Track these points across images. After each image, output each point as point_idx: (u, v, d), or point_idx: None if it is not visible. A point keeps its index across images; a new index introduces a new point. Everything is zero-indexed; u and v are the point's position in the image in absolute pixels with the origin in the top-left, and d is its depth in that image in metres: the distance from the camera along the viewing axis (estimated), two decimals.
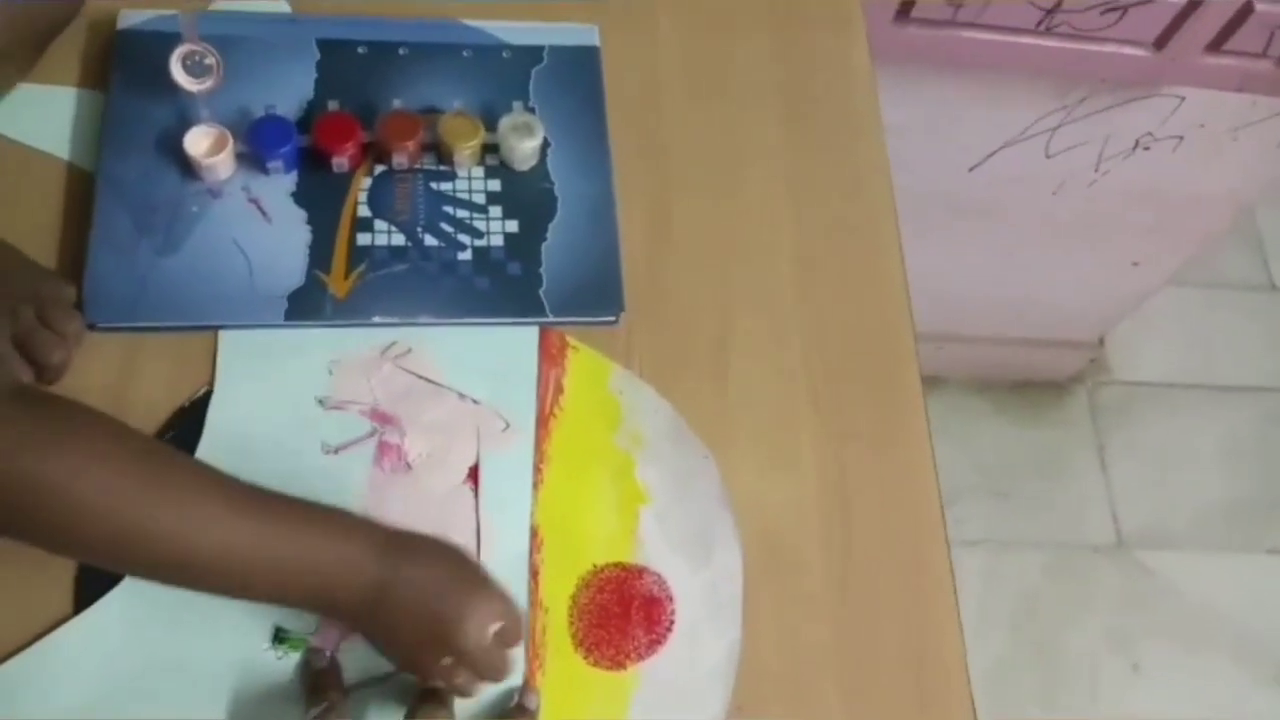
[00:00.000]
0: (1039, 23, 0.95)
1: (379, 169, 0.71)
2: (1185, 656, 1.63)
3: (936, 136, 1.19)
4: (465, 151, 0.70)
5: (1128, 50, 0.99)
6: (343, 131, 0.69)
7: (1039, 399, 1.77)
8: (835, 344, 0.74)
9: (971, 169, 1.25)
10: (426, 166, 0.72)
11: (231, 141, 0.67)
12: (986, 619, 1.61)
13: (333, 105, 0.72)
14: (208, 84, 0.67)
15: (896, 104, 1.06)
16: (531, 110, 0.74)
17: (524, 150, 0.71)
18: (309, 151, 0.70)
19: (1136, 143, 1.21)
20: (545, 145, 0.74)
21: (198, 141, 0.67)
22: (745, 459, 0.69)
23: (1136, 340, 1.79)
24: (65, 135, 0.71)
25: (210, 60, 0.67)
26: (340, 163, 0.69)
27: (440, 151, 0.71)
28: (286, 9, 0.77)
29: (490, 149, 0.72)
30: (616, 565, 0.64)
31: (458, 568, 0.55)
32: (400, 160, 0.70)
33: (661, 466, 0.67)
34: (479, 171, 0.72)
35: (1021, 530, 1.68)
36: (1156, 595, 1.65)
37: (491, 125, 0.72)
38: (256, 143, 0.68)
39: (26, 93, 0.72)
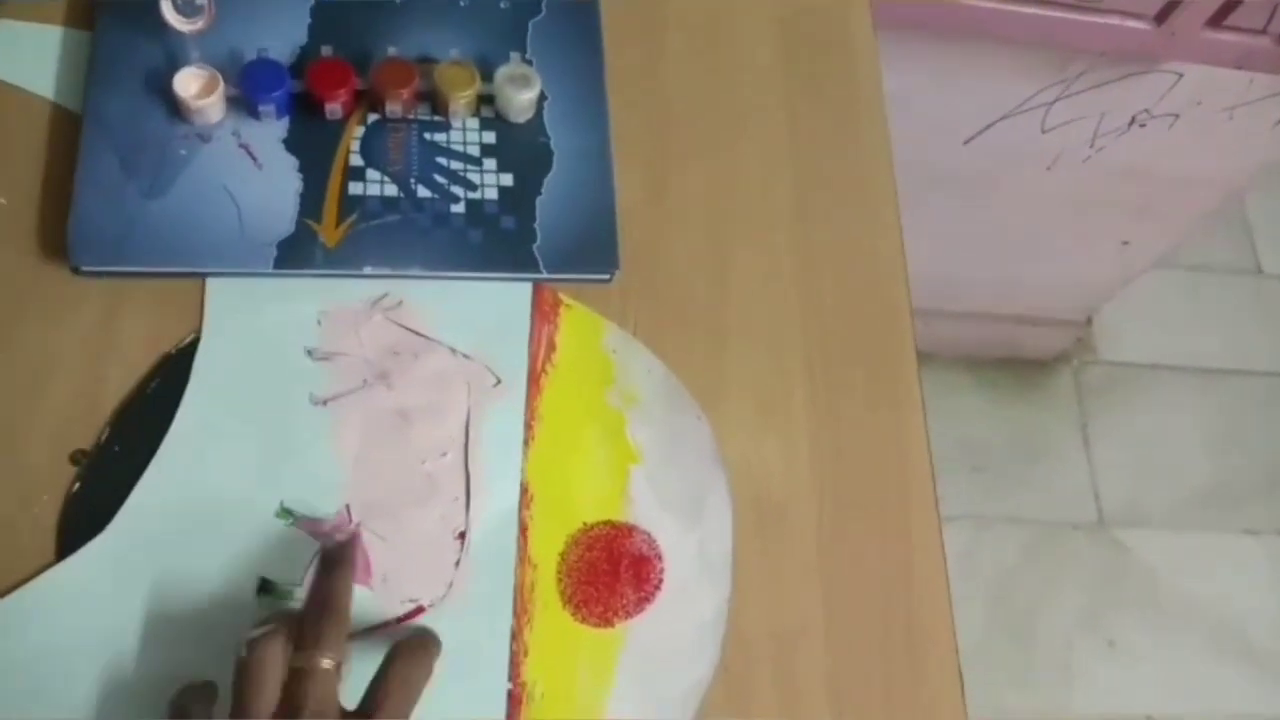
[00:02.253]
0: None
1: (372, 118, 0.70)
2: (1161, 635, 1.64)
3: (933, 107, 1.18)
4: (460, 101, 0.69)
5: (1129, 23, 0.99)
6: (336, 77, 0.68)
7: (1024, 376, 1.78)
8: (831, 309, 0.74)
9: (967, 141, 1.25)
10: (420, 116, 0.70)
11: (222, 84, 0.66)
12: (964, 595, 1.62)
13: (326, 51, 0.70)
14: (199, 24, 0.66)
15: (893, 72, 1.05)
16: (529, 62, 0.72)
17: (520, 101, 0.70)
18: (301, 97, 0.68)
19: (1133, 119, 1.21)
20: (542, 98, 0.73)
21: (187, 83, 0.65)
22: (738, 420, 0.68)
23: (1123, 321, 1.80)
24: (50, 74, 0.69)
25: (202, 0, 0.65)
26: (333, 109, 0.68)
27: (435, 101, 0.70)
28: None
29: (486, 100, 0.71)
30: (606, 523, 0.63)
31: None
32: (394, 108, 0.69)
33: (653, 426, 0.66)
34: (474, 123, 0.71)
35: (1001, 507, 1.69)
36: (1135, 574, 1.67)
37: (488, 75, 0.71)
38: (248, 86, 0.66)
39: (10, 30, 0.70)
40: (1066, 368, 1.77)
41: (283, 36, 0.71)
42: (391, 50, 0.71)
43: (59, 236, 0.64)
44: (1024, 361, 1.75)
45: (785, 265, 0.74)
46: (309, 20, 0.72)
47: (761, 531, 0.66)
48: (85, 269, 0.63)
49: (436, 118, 0.71)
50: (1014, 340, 1.72)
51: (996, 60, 1.09)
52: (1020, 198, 1.36)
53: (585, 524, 0.63)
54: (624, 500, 0.64)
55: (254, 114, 0.67)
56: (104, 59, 0.68)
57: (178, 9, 0.65)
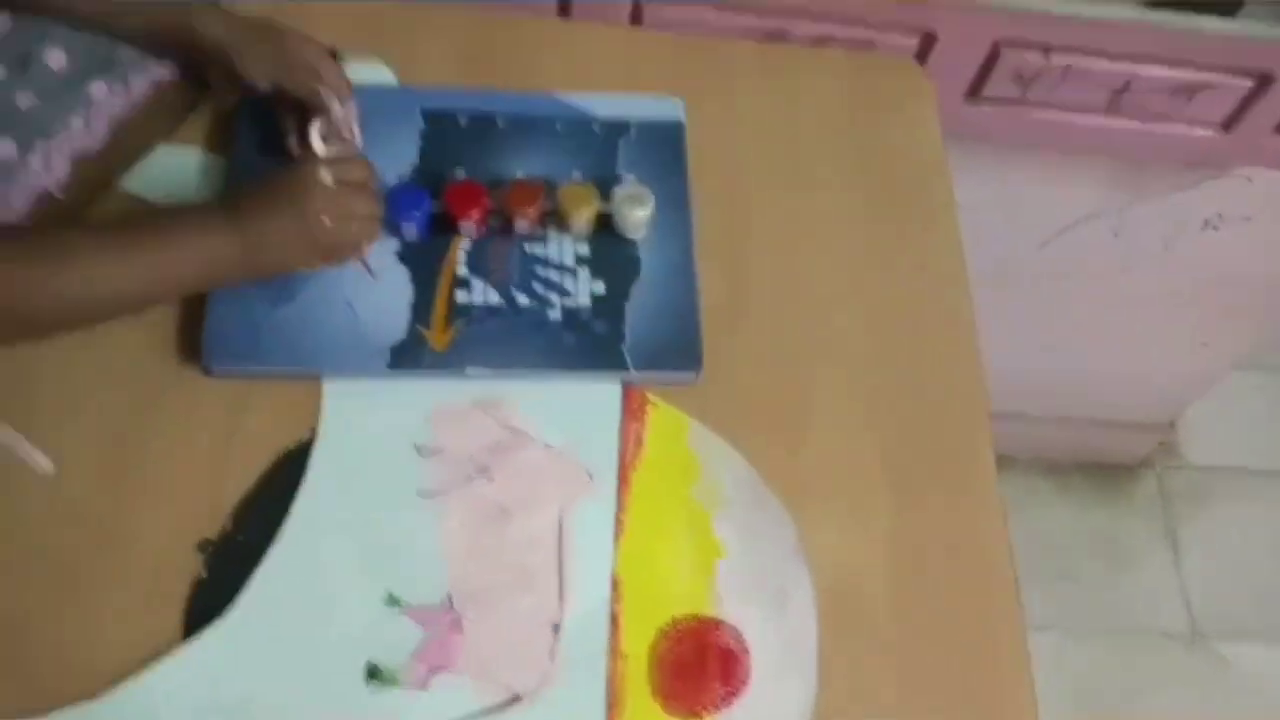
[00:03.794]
0: (1108, 104, 0.98)
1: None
2: None
3: (1006, 213, 1.21)
4: (582, 219, 0.75)
5: (1196, 131, 1.01)
6: (471, 198, 0.74)
7: (1107, 482, 1.75)
8: (909, 409, 0.76)
9: (1042, 246, 1.27)
10: (537, 234, 0.76)
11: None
12: (1052, 706, 1.57)
13: (459, 173, 0.77)
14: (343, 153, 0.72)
15: (967, 181, 1.09)
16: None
17: (636, 218, 0.76)
18: (438, 217, 0.74)
19: (1206, 222, 1.23)
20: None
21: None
22: (818, 516, 0.70)
23: (1208, 424, 1.77)
24: (191, 191, 0.76)
25: (348, 133, 0.72)
26: (468, 227, 0.74)
27: (557, 219, 0.76)
28: (393, 80, 0.82)
29: (602, 218, 0.77)
30: (694, 617, 0.65)
31: (262, 180, 0.66)
32: (522, 225, 0.75)
33: (737, 521, 0.69)
34: (568, 235, 0.76)
35: (1090, 616, 1.65)
36: (1233, 687, 1.60)
37: (601, 195, 0.76)
38: (393, 207, 0.72)
39: (158, 153, 0.77)
40: (1150, 473, 1.74)
41: (398, 160, 0.77)
42: (519, 173, 0.77)
43: (195, 341, 0.69)
44: (1106, 466, 1.73)
45: (863, 366, 0.77)
46: (419, 144, 0.78)
47: (843, 626, 0.67)
48: (216, 370, 0.69)
49: (542, 231, 0.76)
50: (1095, 444, 1.70)
51: (1066, 168, 1.12)
52: (1097, 301, 1.37)
53: (674, 618, 0.65)
54: (710, 594, 0.66)
55: (396, 232, 0.73)
56: (240, 176, 0.75)
57: (323, 137, 0.71)
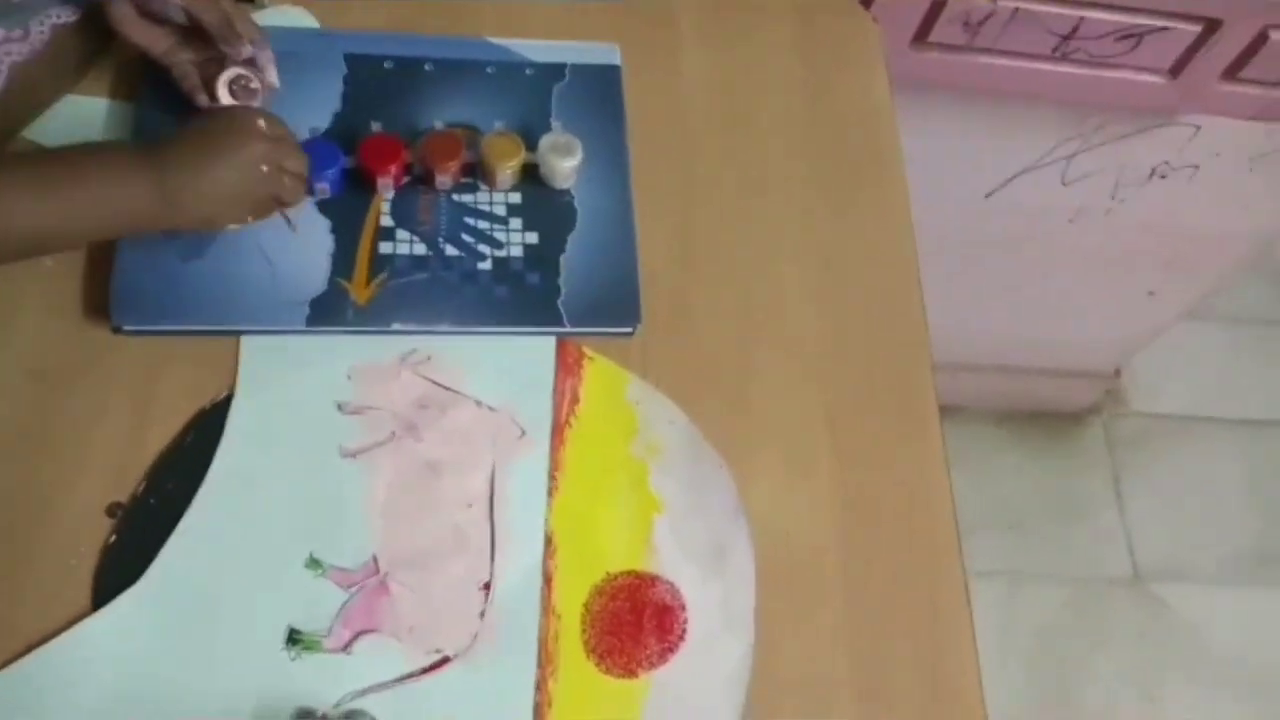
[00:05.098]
0: (1055, 49, 0.96)
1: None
2: (1204, 693, 1.61)
3: (953, 163, 1.19)
4: (507, 171, 0.72)
5: (1143, 77, 1.00)
6: (387, 153, 0.70)
7: (1055, 429, 1.76)
8: (854, 363, 0.74)
9: (988, 195, 1.26)
10: (465, 184, 0.73)
11: None
12: (1002, 653, 1.60)
13: (375, 126, 0.73)
14: (253, 104, 0.68)
15: (914, 131, 1.07)
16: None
17: (564, 169, 0.72)
18: (353, 172, 0.71)
19: (1153, 171, 1.22)
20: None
21: None
22: (761, 472, 0.69)
23: (1154, 373, 1.78)
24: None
25: (255, 85, 0.68)
26: (385, 183, 0.70)
27: (481, 171, 0.73)
28: (314, 24, 0.79)
29: (530, 168, 0.73)
30: (630, 573, 0.64)
31: (196, 125, 0.63)
32: (443, 180, 0.71)
33: (676, 476, 0.67)
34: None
35: (1036, 564, 1.67)
36: (1174, 631, 1.63)
37: (530, 144, 0.73)
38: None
39: (62, 104, 0.73)
40: (1097, 420, 1.76)
41: (319, 108, 0.74)
42: (437, 123, 0.74)
43: (101, 298, 0.66)
44: (1053, 414, 1.74)
45: (807, 321, 0.75)
46: (343, 89, 0.75)
47: (785, 581, 0.67)
48: (126, 328, 0.66)
49: (481, 186, 0.73)
50: (1042, 393, 1.71)
51: (1013, 116, 1.10)
52: (1044, 251, 1.36)
53: (609, 574, 0.64)
54: (647, 550, 0.65)
55: (310, 191, 0.70)
56: (146, 129, 0.71)
57: (233, 94, 0.67)
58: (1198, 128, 1.13)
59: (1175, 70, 0.99)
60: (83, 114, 0.73)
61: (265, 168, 0.62)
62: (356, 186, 0.71)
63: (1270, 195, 1.27)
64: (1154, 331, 1.56)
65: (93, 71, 0.75)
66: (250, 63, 0.68)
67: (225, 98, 0.68)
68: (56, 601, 0.60)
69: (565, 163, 0.72)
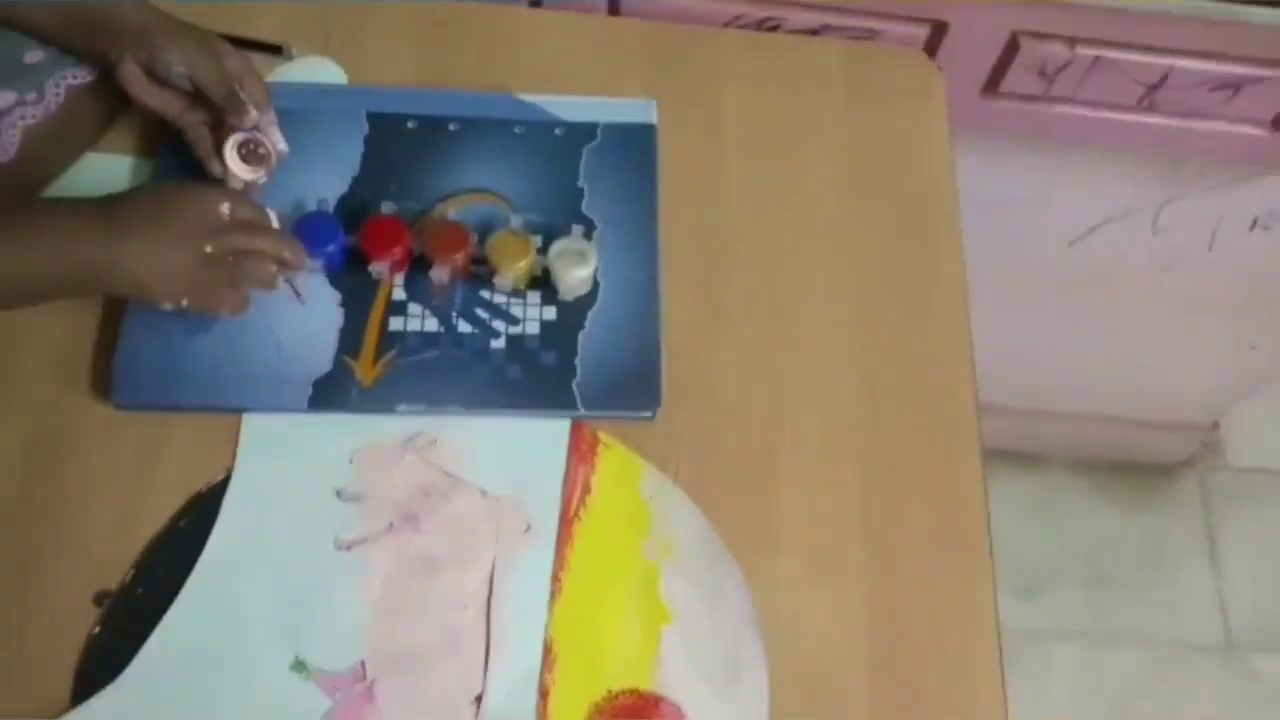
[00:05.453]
0: (1141, 99, 0.88)
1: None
2: None
3: (1031, 209, 1.12)
4: (511, 274, 0.67)
5: (1241, 129, 0.91)
6: (388, 237, 0.67)
7: (1145, 482, 1.65)
8: (894, 451, 0.68)
9: (1071, 243, 1.18)
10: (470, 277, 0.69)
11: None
12: (1078, 717, 1.50)
13: (386, 206, 0.69)
14: (259, 174, 0.66)
15: (989, 174, 1.00)
16: (588, 236, 0.69)
17: (573, 279, 0.67)
18: (354, 250, 0.67)
19: (1255, 221, 1.12)
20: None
21: None
22: (782, 575, 0.64)
23: (1254, 424, 1.66)
24: None
25: (264, 150, 0.65)
26: (379, 269, 0.67)
27: (487, 268, 0.68)
28: (342, 80, 0.76)
29: (538, 280, 0.68)
30: (633, 692, 0.59)
31: (159, 189, 0.62)
32: (441, 274, 0.67)
33: (689, 581, 0.62)
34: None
35: (1121, 624, 1.57)
36: (1266, 708, 1.52)
37: (551, 236, 0.69)
38: (301, 237, 0.66)
39: (84, 161, 0.72)
40: (1191, 473, 1.64)
41: (336, 168, 0.71)
42: (451, 213, 0.70)
43: (105, 370, 0.64)
44: (1143, 466, 1.63)
45: (845, 399, 0.69)
46: (363, 150, 0.72)
47: (809, 698, 0.61)
48: (126, 405, 0.64)
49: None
50: (1132, 444, 1.61)
51: (1097, 163, 1.02)
52: (1135, 299, 1.27)
53: (610, 692, 0.59)
54: (653, 665, 0.60)
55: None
56: None
57: (242, 157, 0.65)
58: None
59: (1277, 122, 0.90)
60: (105, 171, 0.72)
61: (209, 249, 0.59)
62: (357, 267, 0.67)
63: None
64: (1256, 384, 1.45)
65: (116, 127, 0.73)
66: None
67: (234, 164, 0.65)
68: (37, 692, 0.58)
69: (576, 272, 0.66)
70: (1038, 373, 1.43)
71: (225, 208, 0.60)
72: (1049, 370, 1.43)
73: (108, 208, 0.59)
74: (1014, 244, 1.17)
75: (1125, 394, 1.51)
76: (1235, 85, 0.86)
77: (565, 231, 0.68)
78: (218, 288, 0.61)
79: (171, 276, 0.59)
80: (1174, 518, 1.64)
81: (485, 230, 0.69)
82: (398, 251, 0.66)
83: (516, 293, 0.68)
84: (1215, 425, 1.62)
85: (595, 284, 0.69)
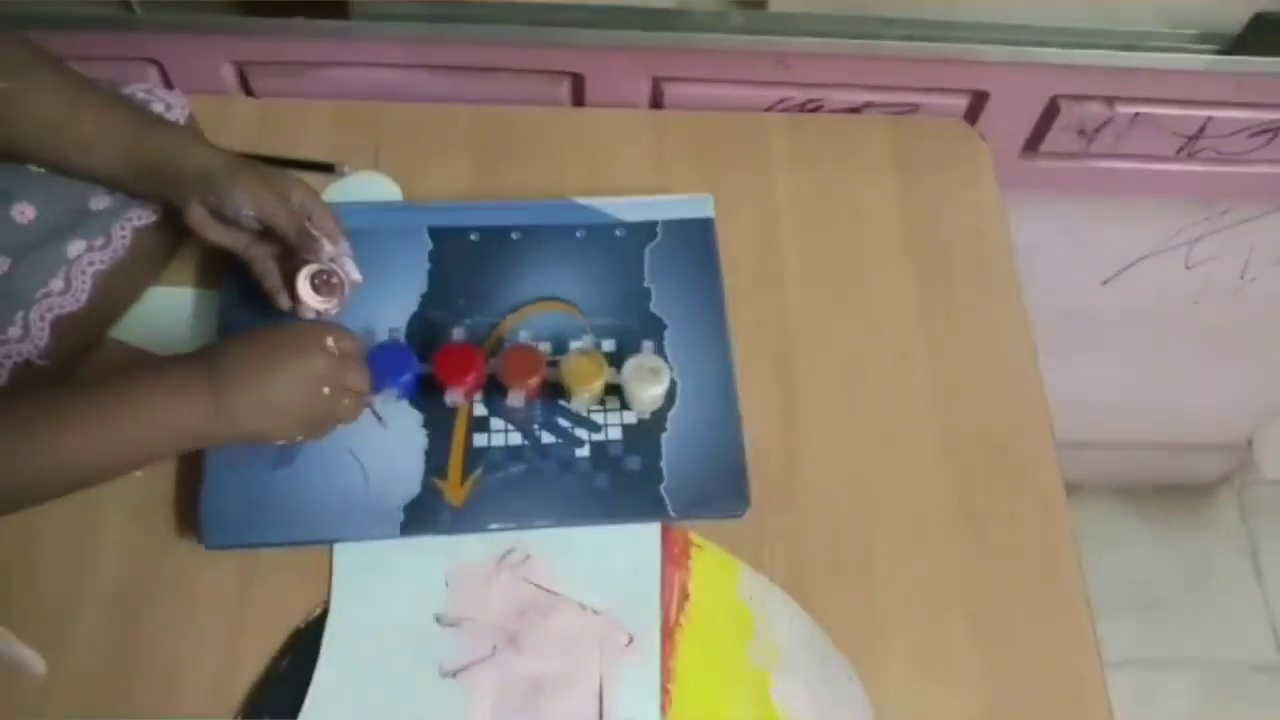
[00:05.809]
0: (1180, 149, 0.89)
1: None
2: None
3: (1067, 251, 1.12)
4: (586, 395, 0.66)
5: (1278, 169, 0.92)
6: (462, 364, 0.66)
7: (1184, 503, 1.65)
8: (990, 531, 0.68)
9: (1105, 282, 1.19)
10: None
11: None
12: None
13: (458, 334, 0.69)
14: (332, 304, 0.66)
15: (1024, 221, 1.00)
16: (660, 351, 0.69)
17: (648, 398, 0.66)
18: (428, 378, 0.67)
19: None
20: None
21: None
22: (894, 672, 0.63)
23: None
24: (183, 339, 0.71)
25: (337, 280, 0.66)
26: (454, 398, 0.66)
27: (562, 389, 0.67)
28: (397, 194, 0.76)
29: (614, 387, 0.68)
30: None
31: (260, 335, 0.59)
32: (517, 399, 0.66)
33: (800, 686, 0.62)
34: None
35: (1171, 649, 1.56)
36: None
37: (620, 336, 0.69)
38: (376, 371, 0.65)
39: (147, 295, 0.72)
40: (1229, 490, 1.65)
41: (405, 285, 0.71)
42: (522, 326, 0.70)
43: (190, 511, 0.64)
44: (1182, 487, 1.63)
45: (935, 487, 0.69)
46: (429, 266, 0.72)
47: None
48: (215, 546, 0.63)
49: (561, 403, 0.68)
50: (1169, 466, 1.61)
51: (1133, 207, 1.03)
52: (1167, 329, 1.28)
53: None
54: None
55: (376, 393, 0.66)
56: (230, 324, 0.69)
57: (314, 288, 0.65)
58: None
59: None
60: (168, 304, 0.72)
61: (327, 389, 0.59)
62: (432, 393, 0.67)
63: None
64: None
65: (176, 260, 0.73)
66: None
67: (308, 296, 0.65)
68: None
69: (651, 390, 0.66)
70: (1075, 406, 1.43)
71: (330, 341, 0.59)
72: (1086, 403, 1.43)
73: (210, 364, 0.57)
74: (1049, 287, 1.17)
75: (1160, 420, 1.52)
76: (1274, 130, 0.87)
77: (636, 347, 0.68)
78: (326, 421, 0.61)
79: (291, 417, 0.58)
80: (1216, 536, 1.64)
81: (559, 340, 0.69)
82: (471, 379, 0.66)
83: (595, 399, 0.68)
84: (1249, 443, 1.62)
85: (672, 383, 0.69)
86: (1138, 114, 0.85)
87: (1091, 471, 1.62)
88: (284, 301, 0.66)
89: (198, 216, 0.64)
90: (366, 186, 0.77)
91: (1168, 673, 1.54)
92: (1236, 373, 1.40)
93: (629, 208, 0.75)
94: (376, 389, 0.64)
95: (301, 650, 0.62)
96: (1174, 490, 1.65)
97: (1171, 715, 1.52)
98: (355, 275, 0.66)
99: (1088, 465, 1.60)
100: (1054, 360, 1.29)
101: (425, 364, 0.67)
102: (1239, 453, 1.61)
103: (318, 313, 0.66)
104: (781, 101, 0.83)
